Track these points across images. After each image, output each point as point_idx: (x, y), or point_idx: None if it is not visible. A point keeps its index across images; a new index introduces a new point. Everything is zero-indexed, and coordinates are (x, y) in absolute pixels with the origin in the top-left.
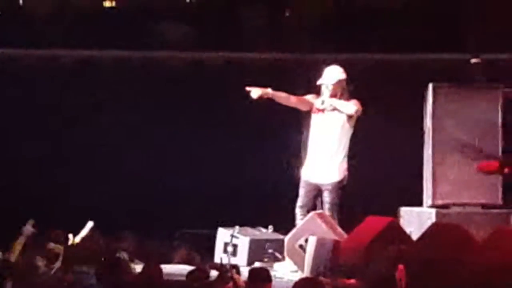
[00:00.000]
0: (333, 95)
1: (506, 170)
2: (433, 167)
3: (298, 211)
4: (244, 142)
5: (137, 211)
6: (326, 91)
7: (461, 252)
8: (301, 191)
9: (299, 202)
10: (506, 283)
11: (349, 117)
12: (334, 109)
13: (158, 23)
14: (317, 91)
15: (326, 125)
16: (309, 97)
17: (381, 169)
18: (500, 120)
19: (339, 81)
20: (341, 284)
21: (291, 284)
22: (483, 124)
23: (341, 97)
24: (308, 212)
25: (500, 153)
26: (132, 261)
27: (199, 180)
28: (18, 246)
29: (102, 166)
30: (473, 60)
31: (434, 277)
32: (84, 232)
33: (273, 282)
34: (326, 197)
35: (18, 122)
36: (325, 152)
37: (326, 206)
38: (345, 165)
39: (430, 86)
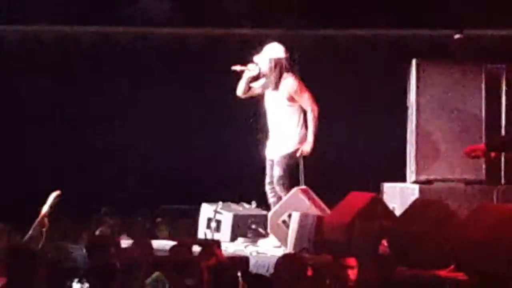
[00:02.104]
0: (265, 73)
1: (492, 154)
2: (416, 143)
3: (267, 188)
4: (227, 118)
5: (120, 187)
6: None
7: (444, 228)
8: (266, 169)
9: (267, 179)
10: (488, 259)
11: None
12: (275, 88)
13: None
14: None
15: (270, 102)
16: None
17: (365, 145)
18: (483, 96)
19: (269, 60)
20: (324, 260)
21: (274, 259)
22: (466, 100)
23: (269, 75)
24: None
25: (483, 129)
26: (117, 236)
27: (182, 155)
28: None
29: (85, 144)
30: (457, 36)
31: (417, 252)
32: (50, 201)
33: (256, 258)
34: (274, 170)
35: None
36: (273, 128)
37: (274, 180)
38: (295, 139)
39: (414, 61)
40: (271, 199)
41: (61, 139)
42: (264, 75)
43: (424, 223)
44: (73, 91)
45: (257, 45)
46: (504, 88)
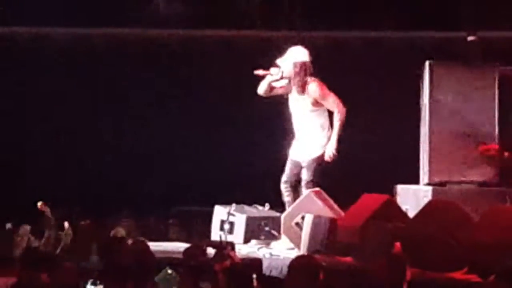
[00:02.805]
0: (289, 77)
1: (506, 154)
2: (429, 145)
3: (282, 186)
4: (241, 121)
5: (134, 189)
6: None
7: (457, 230)
8: (286, 168)
9: (284, 177)
10: (501, 261)
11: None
12: (300, 92)
13: (151, 1)
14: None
15: (298, 105)
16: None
17: (378, 146)
18: (496, 98)
19: (294, 64)
20: (337, 262)
21: (288, 262)
22: (480, 102)
23: (294, 79)
24: (291, 187)
25: (496, 131)
26: (131, 237)
27: (197, 158)
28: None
29: (97, 145)
30: (470, 38)
31: (430, 254)
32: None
33: (269, 260)
34: (303, 174)
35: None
36: (301, 130)
37: (302, 183)
38: (322, 142)
39: (427, 63)
40: (286, 197)
41: (76, 141)
42: (287, 78)
43: (437, 225)
44: (89, 95)
45: (270, 47)
46: None
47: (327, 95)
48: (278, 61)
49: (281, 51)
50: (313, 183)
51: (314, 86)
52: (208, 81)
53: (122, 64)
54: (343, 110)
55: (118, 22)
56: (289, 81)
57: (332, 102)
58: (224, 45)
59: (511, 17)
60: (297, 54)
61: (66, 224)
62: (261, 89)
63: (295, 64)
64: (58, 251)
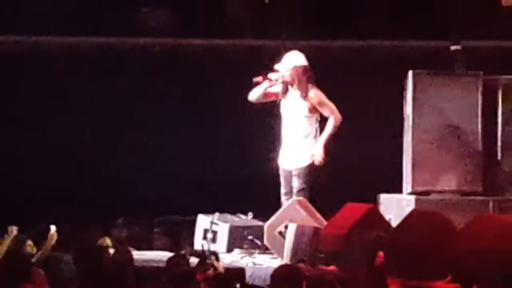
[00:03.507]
0: (290, 82)
1: None
2: (412, 154)
3: (283, 199)
4: (222, 129)
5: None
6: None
7: (441, 239)
8: (281, 179)
9: (282, 189)
10: (485, 270)
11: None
12: (305, 95)
13: (139, 9)
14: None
15: (293, 110)
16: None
17: (361, 156)
18: (479, 108)
19: (295, 67)
20: (320, 271)
21: (271, 271)
22: (463, 111)
23: (298, 83)
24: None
25: (480, 141)
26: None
27: (179, 166)
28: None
29: (84, 154)
30: (453, 47)
31: (413, 263)
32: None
33: (253, 269)
34: (294, 182)
35: None
36: (292, 138)
37: (294, 191)
38: (312, 150)
39: (410, 73)
40: None
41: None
42: (288, 83)
43: (420, 234)
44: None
45: (255, 55)
46: (500, 99)
47: (327, 101)
48: (277, 66)
49: (266, 59)
50: (304, 191)
51: (315, 91)
52: (198, 88)
53: (108, 72)
54: (339, 117)
55: (104, 30)
56: (285, 86)
57: (330, 108)
58: (210, 53)
59: (494, 27)
60: (297, 58)
61: (52, 227)
62: (254, 96)
63: (296, 68)
64: (34, 259)
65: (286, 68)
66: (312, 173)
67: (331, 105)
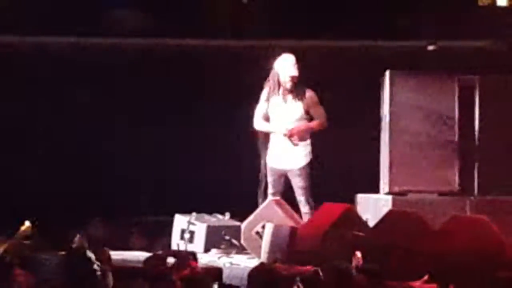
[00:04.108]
0: (294, 81)
1: None
2: (389, 154)
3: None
4: (202, 130)
5: (98, 198)
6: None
7: (417, 239)
8: (270, 179)
9: (270, 190)
10: (461, 270)
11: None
12: (293, 98)
13: (114, 10)
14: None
15: (288, 111)
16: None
17: (338, 156)
18: (456, 108)
19: (296, 68)
20: (297, 271)
21: (248, 271)
22: (440, 111)
23: (302, 83)
24: (282, 197)
25: (456, 141)
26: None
27: (155, 166)
28: None
29: (60, 153)
30: (430, 47)
31: (390, 263)
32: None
33: (230, 269)
34: (298, 182)
35: None
36: (284, 138)
37: (300, 191)
38: (309, 148)
39: (387, 73)
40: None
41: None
42: (286, 83)
43: (397, 234)
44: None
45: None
46: (477, 99)
47: (319, 105)
48: (277, 66)
49: (240, 60)
50: (308, 189)
51: (311, 92)
52: (176, 89)
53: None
54: (326, 124)
55: (78, 32)
56: (281, 86)
57: (321, 112)
58: (189, 54)
59: (471, 27)
60: (292, 59)
61: (26, 222)
62: (260, 129)
63: (296, 68)
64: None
65: (286, 69)
66: (312, 171)
67: (322, 110)
